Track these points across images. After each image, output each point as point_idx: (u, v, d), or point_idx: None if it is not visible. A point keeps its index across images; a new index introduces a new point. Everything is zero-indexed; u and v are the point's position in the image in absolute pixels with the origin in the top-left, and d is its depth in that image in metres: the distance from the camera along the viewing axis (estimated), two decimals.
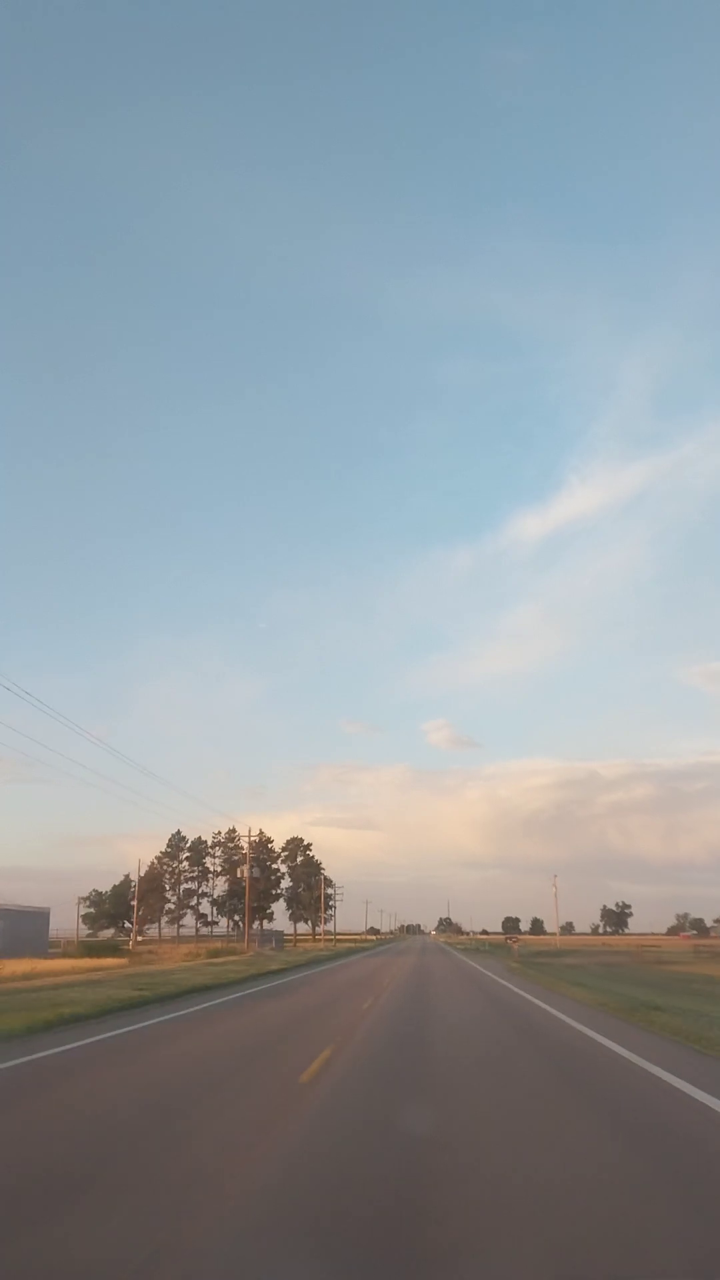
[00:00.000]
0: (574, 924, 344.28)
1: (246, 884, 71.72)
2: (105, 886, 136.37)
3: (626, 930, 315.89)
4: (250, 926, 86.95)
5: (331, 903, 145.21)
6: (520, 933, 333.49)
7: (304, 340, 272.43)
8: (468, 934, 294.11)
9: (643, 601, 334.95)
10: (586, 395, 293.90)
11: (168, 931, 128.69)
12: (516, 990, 27.81)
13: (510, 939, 55.36)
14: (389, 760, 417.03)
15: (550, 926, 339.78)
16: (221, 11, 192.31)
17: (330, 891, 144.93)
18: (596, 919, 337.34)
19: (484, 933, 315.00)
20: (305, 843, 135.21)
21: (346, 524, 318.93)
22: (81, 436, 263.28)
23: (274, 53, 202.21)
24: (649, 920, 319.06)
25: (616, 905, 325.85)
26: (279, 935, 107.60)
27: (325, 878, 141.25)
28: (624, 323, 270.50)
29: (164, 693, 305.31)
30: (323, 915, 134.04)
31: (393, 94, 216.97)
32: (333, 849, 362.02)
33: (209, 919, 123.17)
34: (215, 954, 61.22)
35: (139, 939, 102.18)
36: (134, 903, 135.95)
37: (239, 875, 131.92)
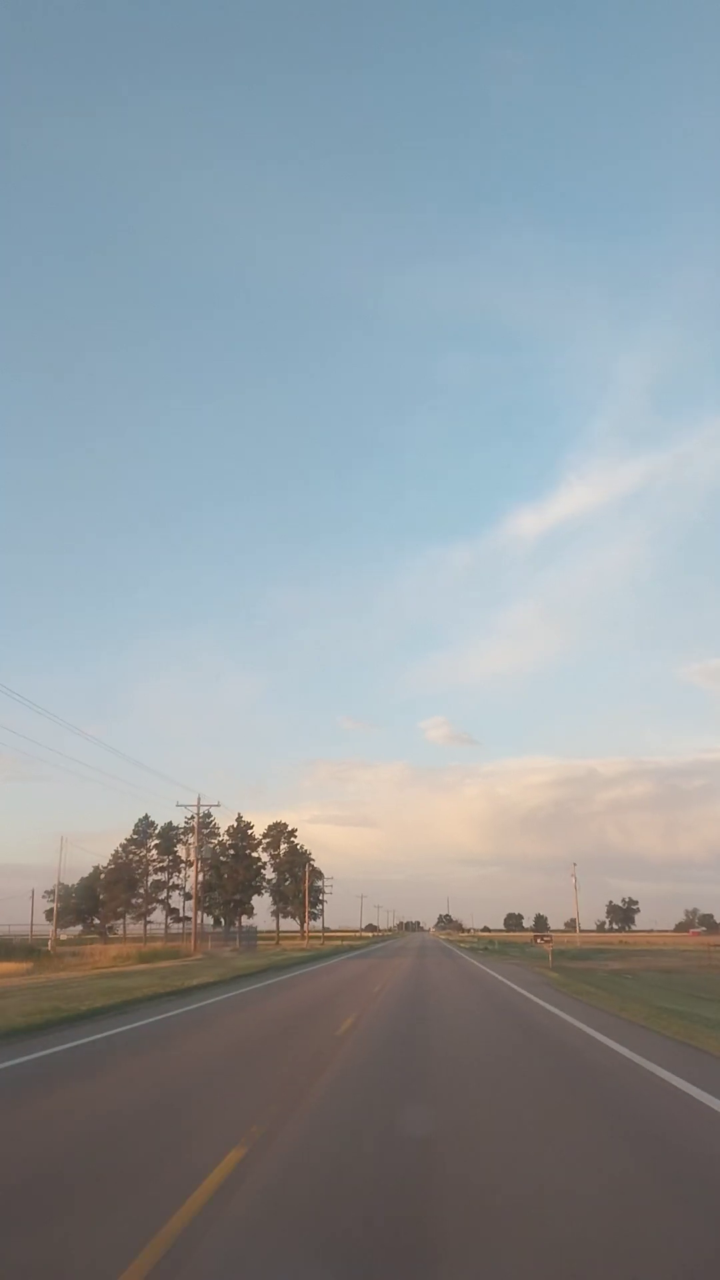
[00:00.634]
0: (577, 920, 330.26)
1: (195, 868, 56.54)
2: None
3: (634, 926, 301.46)
4: (204, 922, 71.89)
5: (321, 897, 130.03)
6: (524, 929, 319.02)
7: (302, 336, 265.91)
8: (468, 931, 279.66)
9: (641, 599, 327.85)
10: (585, 391, 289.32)
11: (134, 929, 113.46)
12: (650, 1068, 12.40)
13: (540, 938, 40.12)
14: (387, 757, 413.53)
15: (555, 923, 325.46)
16: (222, 6, 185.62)
17: (320, 884, 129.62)
18: (602, 915, 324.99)
19: (485, 930, 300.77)
20: (290, 829, 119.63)
21: (345, 520, 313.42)
22: (78, 433, 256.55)
23: (274, 49, 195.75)
24: (651, 917, 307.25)
25: (623, 901, 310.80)
26: (252, 932, 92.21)
27: (313, 868, 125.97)
28: (623, 319, 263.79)
29: (162, 691, 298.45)
30: (306, 910, 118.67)
31: (392, 90, 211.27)
32: (331, 846, 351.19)
33: (180, 914, 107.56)
34: (149, 957, 46.14)
35: (59, 939, 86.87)
36: (101, 895, 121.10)
37: (219, 863, 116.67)
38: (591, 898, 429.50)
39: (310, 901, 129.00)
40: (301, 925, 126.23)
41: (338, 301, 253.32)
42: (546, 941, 39.16)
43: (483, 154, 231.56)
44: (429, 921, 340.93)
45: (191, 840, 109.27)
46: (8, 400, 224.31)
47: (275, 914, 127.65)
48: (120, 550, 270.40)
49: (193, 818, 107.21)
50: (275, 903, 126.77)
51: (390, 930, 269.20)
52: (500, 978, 31.84)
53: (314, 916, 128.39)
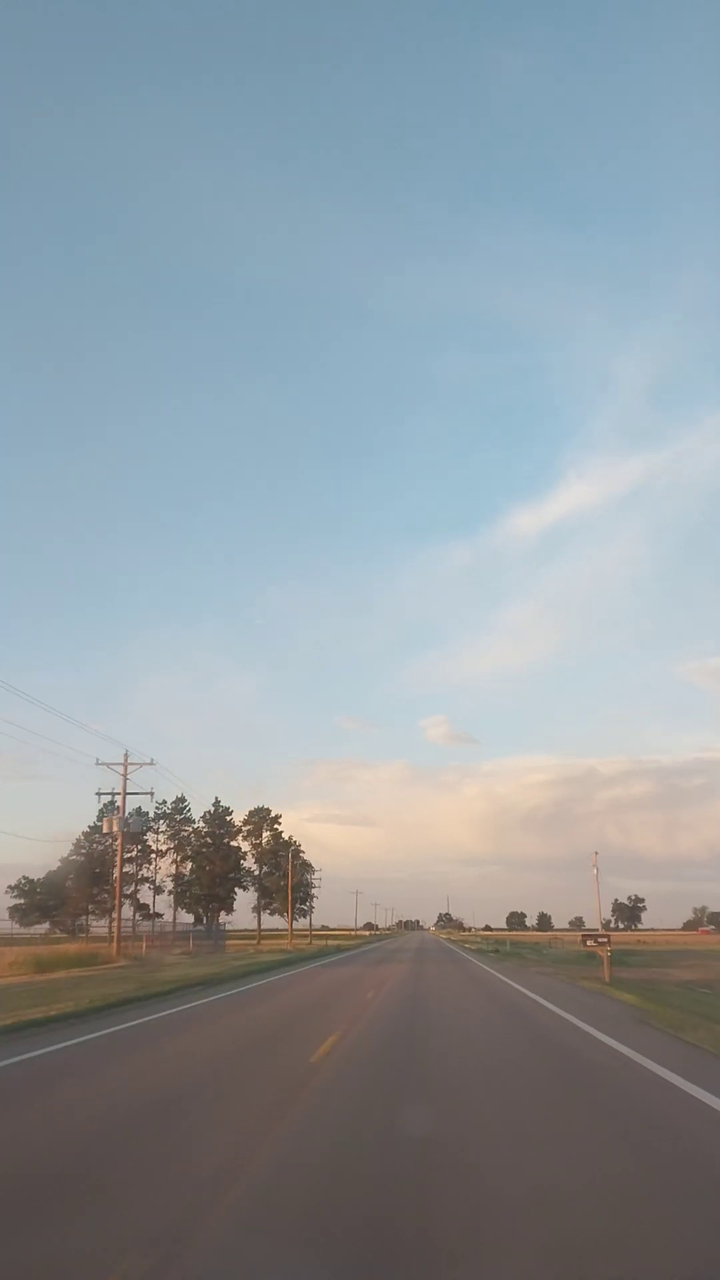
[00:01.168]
0: (584, 919, 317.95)
1: (119, 847, 43.43)
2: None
3: (640, 925, 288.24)
4: (181, 920, 59.27)
5: (311, 892, 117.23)
6: (527, 927, 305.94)
7: (301, 334, 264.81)
8: (469, 930, 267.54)
9: (640, 597, 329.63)
10: (584, 389, 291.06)
11: (98, 928, 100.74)
12: None
13: (592, 939, 27.16)
14: (387, 757, 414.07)
15: (559, 922, 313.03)
16: (218, 4, 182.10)
17: (309, 878, 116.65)
18: (604, 914, 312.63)
19: (487, 929, 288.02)
20: (273, 814, 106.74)
21: (343, 519, 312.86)
22: (75, 431, 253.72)
23: (270, 44, 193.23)
24: (655, 915, 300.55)
25: (629, 899, 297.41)
26: (218, 931, 79.44)
27: (302, 861, 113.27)
28: (621, 317, 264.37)
29: (161, 690, 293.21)
30: (291, 906, 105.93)
31: (390, 87, 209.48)
32: (331, 846, 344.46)
33: (151, 910, 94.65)
34: (48, 964, 33.43)
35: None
36: (70, 888, 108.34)
37: (197, 854, 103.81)
38: (590, 896, 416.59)
39: (298, 897, 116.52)
40: (288, 923, 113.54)
41: (337, 300, 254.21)
42: (602, 944, 26.47)
43: (481, 150, 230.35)
44: (429, 920, 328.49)
45: (159, 825, 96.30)
46: (7, 396, 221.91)
47: (257, 910, 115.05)
48: (118, 550, 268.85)
49: (164, 801, 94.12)
50: (259, 898, 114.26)
51: (389, 929, 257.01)
52: (552, 1006, 19.12)
53: (302, 914, 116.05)
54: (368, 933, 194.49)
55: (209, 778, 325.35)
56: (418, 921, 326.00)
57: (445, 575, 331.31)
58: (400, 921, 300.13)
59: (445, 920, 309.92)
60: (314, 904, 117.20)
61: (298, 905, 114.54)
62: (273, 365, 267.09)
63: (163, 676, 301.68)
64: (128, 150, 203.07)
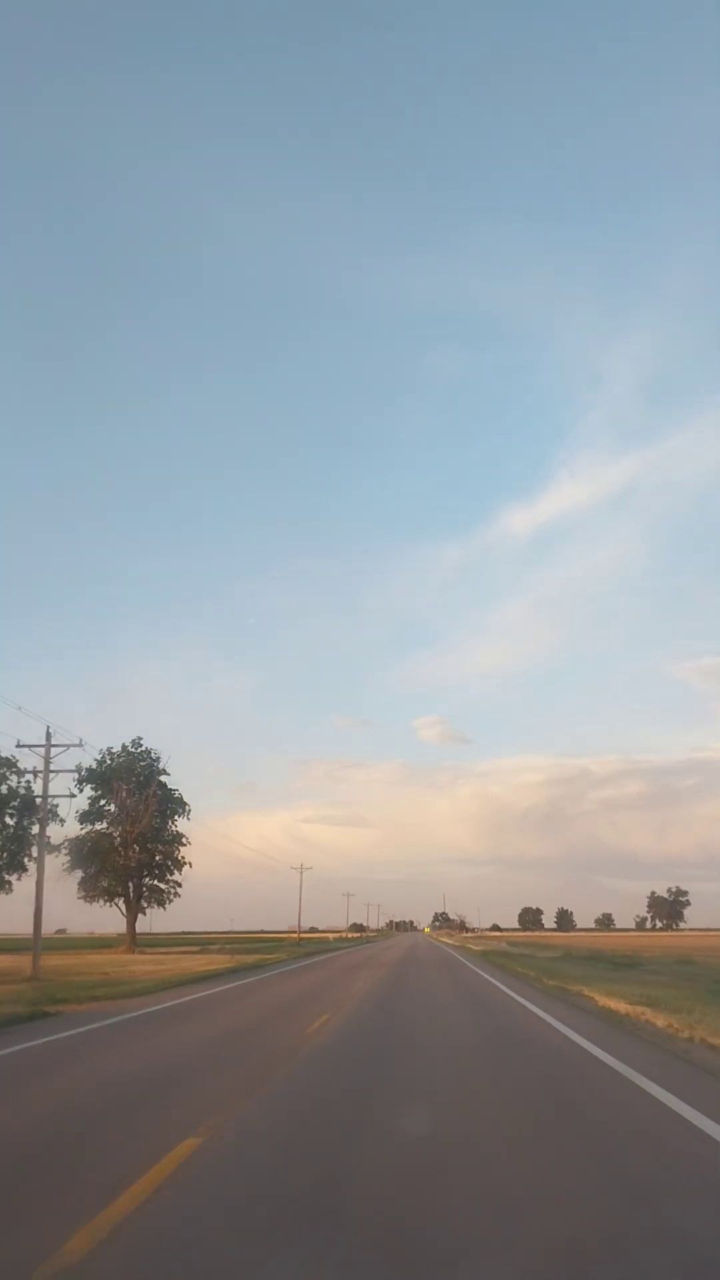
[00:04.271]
0: (613, 916, 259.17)
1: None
2: None
3: (683, 924, 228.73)
4: None
5: (179, 855, 55.88)
6: (544, 928, 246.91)
7: (291, 330, 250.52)
8: (473, 930, 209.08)
9: (633, 596, 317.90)
10: (576, 387, 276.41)
11: None
12: None
13: None
14: (381, 756, 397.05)
15: (584, 921, 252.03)
16: None
17: (179, 830, 55.53)
18: (606, 914, 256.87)
19: (495, 929, 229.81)
20: None
21: (336, 518, 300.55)
22: (67, 430, 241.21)
23: (259, 40, 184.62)
24: (697, 912, 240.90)
25: (669, 892, 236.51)
26: None
27: (161, 785, 53.03)
28: (612, 313, 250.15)
29: (153, 689, 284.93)
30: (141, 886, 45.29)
31: (380, 81, 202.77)
32: (328, 847, 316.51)
33: None
34: None
35: None
36: None
37: None
38: (587, 897, 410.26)
39: (160, 866, 56.10)
40: (130, 920, 52.34)
41: (328, 296, 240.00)
42: None
43: (473, 145, 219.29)
44: (423, 921, 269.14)
45: None
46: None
47: (85, 894, 53.86)
48: (109, 548, 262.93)
49: None
50: (74, 867, 53.51)
51: (379, 930, 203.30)
52: None
53: (161, 897, 54.60)
54: (333, 935, 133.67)
55: (202, 777, 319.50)
56: (411, 922, 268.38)
57: (439, 575, 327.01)
58: (391, 922, 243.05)
59: (442, 920, 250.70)
60: (179, 879, 55.30)
61: (151, 882, 53.98)
62: (264, 363, 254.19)
63: (155, 675, 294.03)
64: (119, 145, 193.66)
